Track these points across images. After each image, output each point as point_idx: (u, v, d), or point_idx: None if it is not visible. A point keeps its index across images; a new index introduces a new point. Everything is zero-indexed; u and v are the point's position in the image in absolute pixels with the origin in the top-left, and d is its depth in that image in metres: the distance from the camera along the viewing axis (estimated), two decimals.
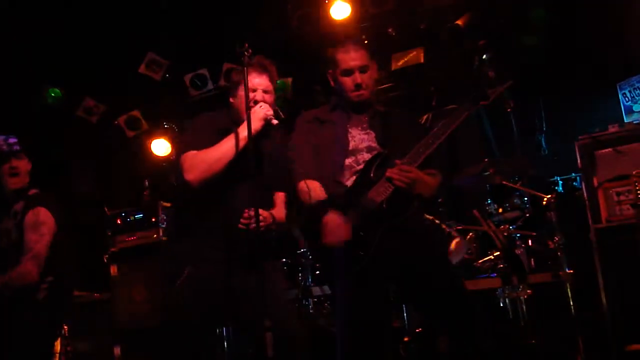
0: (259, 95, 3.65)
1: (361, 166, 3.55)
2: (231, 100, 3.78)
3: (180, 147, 3.70)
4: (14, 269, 4.48)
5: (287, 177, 3.68)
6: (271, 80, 3.74)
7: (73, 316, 5.17)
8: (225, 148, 3.52)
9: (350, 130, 3.67)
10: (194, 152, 3.54)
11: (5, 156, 4.71)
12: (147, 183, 6.80)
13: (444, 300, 3.39)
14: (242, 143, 3.51)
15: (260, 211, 3.41)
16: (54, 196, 4.82)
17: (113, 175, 7.73)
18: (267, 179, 3.66)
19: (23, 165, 4.74)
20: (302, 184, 3.57)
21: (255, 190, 3.42)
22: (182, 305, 3.50)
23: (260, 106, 3.58)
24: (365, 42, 7.06)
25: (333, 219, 3.38)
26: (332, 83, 3.80)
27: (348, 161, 3.58)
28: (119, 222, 6.48)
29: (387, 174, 3.39)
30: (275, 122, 3.58)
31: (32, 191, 4.76)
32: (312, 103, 7.44)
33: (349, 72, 3.67)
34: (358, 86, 3.65)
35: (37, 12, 6.46)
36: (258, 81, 3.68)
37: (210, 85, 7.37)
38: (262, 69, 3.71)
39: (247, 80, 3.49)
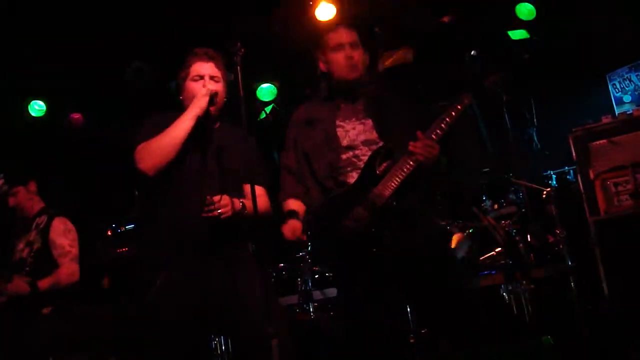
0: (207, 82, 3.57)
1: (362, 162, 3.46)
2: (181, 97, 3.66)
3: (132, 143, 3.52)
4: (58, 270, 4.68)
5: (258, 169, 3.63)
6: (218, 67, 3.64)
7: (70, 329, 5.07)
8: (176, 130, 3.42)
9: (343, 124, 3.57)
10: (145, 142, 3.43)
11: (3, 199, 4.90)
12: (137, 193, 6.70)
13: (449, 300, 3.32)
14: (191, 122, 3.42)
15: (224, 197, 3.36)
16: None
17: (102, 186, 7.61)
18: (225, 169, 3.54)
19: (21, 198, 4.91)
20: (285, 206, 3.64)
21: (213, 179, 3.43)
22: (161, 315, 3.35)
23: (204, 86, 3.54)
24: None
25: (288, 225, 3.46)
26: (322, 67, 3.68)
27: (345, 156, 3.50)
28: (110, 233, 6.38)
29: (410, 147, 3.31)
30: (219, 93, 3.53)
31: (52, 210, 4.93)
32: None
33: (339, 47, 3.58)
34: (350, 59, 3.55)
35: (18, 24, 6.34)
36: (206, 67, 3.61)
37: None
38: (208, 58, 3.65)
39: (240, 79, 3.42)
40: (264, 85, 7.42)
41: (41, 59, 6.68)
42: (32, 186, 4.98)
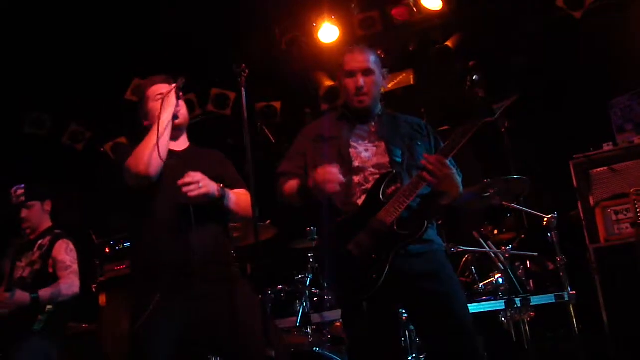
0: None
1: (370, 184, 3.46)
2: (147, 124, 3.62)
3: (119, 163, 3.48)
4: (58, 282, 4.72)
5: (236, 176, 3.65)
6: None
7: (62, 347, 5.02)
8: (160, 129, 3.38)
9: (355, 145, 3.54)
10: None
11: (17, 208, 4.94)
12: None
13: (446, 325, 3.30)
14: (169, 117, 3.43)
15: (197, 174, 3.33)
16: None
17: (100, 202, 7.59)
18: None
19: (34, 212, 4.97)
20: (286, 189, 3.58)
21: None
22: (151, 342, 3.28)
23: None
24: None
25: (318, 172, 3.32)
26: (338, 85, 3.72)
27: (356, 179, 3.49)
28: (107, 250, 6.35)
29: (422, 162, 3.28)
30: (180, 82, 3.52)
31: (57, 231, 4.97)
32: (301, 126, 7.40)
33: (351, 74, 3.55)
34: (359, 89, 3.51)
35: (20, 38, 6.36)
36: (163, 87, 3.61)
37: (197, 111, 7.30)
38: (162, 80, 3.67)
39: (244, 101, 3.42)
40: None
41: (43, 74, 6.70)
42: (48, 205, 5.05)
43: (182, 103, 3.60)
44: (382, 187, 3.38)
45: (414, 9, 6.46)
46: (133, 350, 3.41)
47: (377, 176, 3.45)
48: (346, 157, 3.51)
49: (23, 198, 4.93)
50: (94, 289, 6.28)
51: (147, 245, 3.42)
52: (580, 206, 5.38)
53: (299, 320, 4.98)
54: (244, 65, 3.42)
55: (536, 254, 5.19)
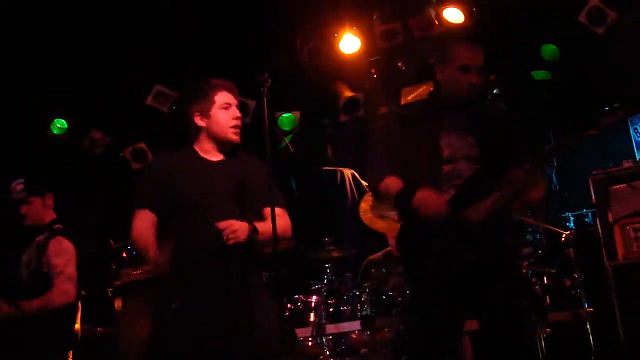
0: (236, 111, 3.58)
1: (459, 180, 3.47)
2: (204, 125, 3.55)
3: (131, 202, 3.52)
4: (50, 291, 4.49)
5: (275, 192, 3.52)
6: (237, 98, 3.65)
7: (75, 352, 5.03)
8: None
9: (444, 136, 3.54)
10: (139, 212, 3.46)
11: (17, 203, 4.78)
12: None
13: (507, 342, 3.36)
14: None
15: (231, 223, 3.30)
16: (75, 234, 4.85)
17: (118, 207, 7.61)
18: (243, 196, 3.46)
19: (34, 208, 4.79)
20: (382, 187, 3.59)
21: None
22: (169, 341, 3.28)
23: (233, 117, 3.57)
24: (375, 76, 7.14)
25: (425, 194, 3.39)
26: (438, 76, 3.64)
27: (445, 169, 3.50)
28: (125, 255, 6.36)
29: (509, 174, 3.37)
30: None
31: (57, 226, 4.78)
32: (321, 137, 7.46)
33: (467, 69, 3.51)
34: (474, 86, 3.52)
35: (42, 43, 6.42)
36: (231, 97, 3.61)
37: None
38: (231, 88, 3.63)
39: (266, 109, 3.43)
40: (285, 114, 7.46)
41: (64, 78, 6.76)
42: (49, 199, 4.88)
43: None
44: (474, 185, 3.42)
45: (436, 21, 6.46)
46: (151, 353, 3.42)
47: (468, 172, 3.49)
48: (436, 148, 3.52)
49: (24, 193, 4.78)
50: (109, 293, 6.30)
51: (176, 250, 3.42)
52: (598, 223, 5.35)
53: (314, 330, 4.98)
54: (266, 74, 3.44)
55: (553, 270, 5.18)
